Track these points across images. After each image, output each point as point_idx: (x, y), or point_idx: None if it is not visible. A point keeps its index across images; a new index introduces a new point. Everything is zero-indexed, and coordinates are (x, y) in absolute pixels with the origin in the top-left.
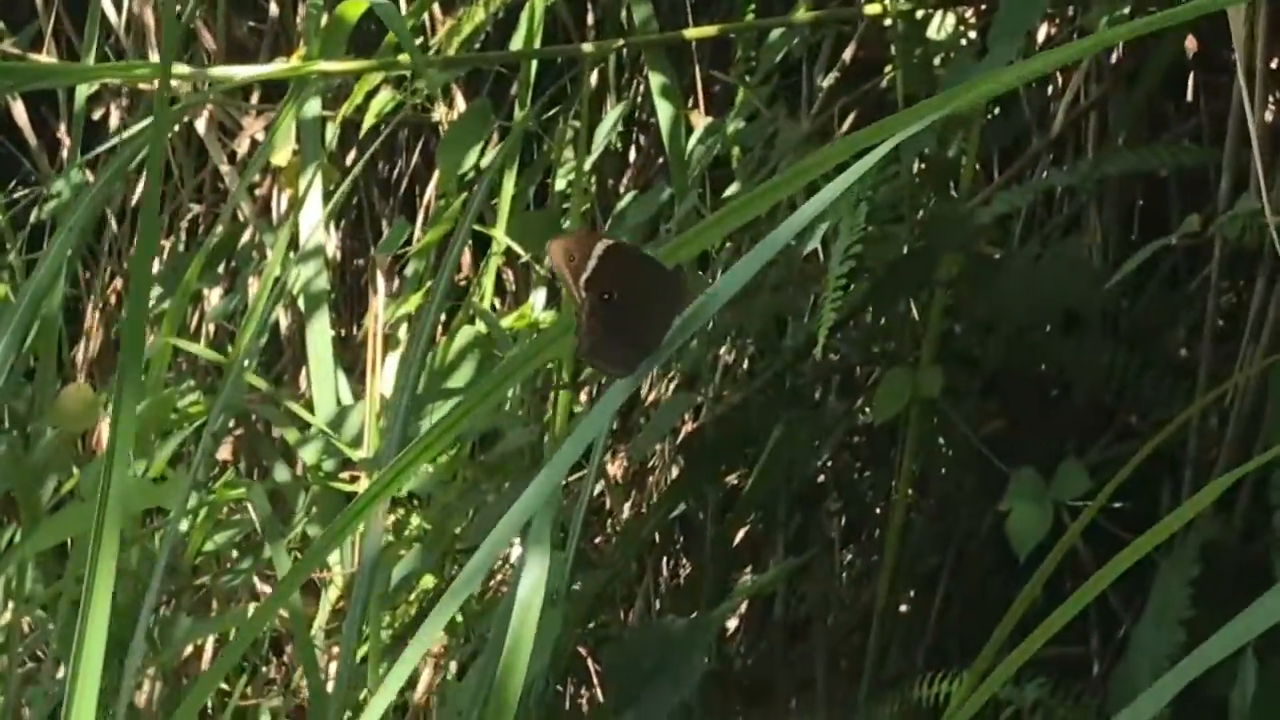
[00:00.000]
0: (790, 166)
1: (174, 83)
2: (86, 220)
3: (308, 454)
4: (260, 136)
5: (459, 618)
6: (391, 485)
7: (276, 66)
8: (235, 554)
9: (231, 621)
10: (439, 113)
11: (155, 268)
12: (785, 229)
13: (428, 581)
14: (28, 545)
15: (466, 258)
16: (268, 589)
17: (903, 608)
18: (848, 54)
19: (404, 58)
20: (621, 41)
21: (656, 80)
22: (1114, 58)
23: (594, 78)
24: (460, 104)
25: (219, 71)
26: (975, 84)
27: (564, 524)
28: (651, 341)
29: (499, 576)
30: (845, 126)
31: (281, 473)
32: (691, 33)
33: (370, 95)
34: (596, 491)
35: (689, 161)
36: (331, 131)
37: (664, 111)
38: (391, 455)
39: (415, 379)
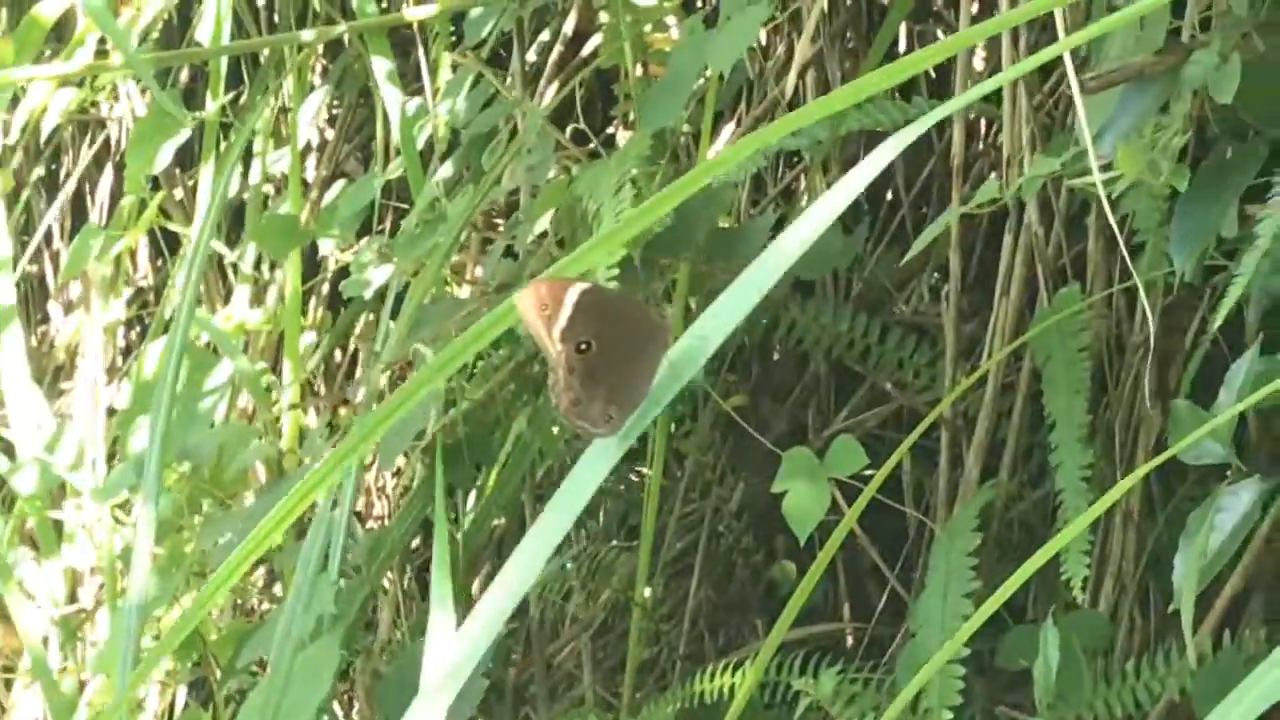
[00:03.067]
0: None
1: None
2: None
3: (23, 483)
4: None
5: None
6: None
7: None
8: None
9: None
10: (111, 109)
11: None
12: (771, 260)
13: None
14: None
15: (144, 259)
16: None
17: (648, 592)
18: (568, 26)
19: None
20: (344, 26)
21: (382, 66)
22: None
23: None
24: (137, 97)
25: None
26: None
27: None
28: (638, 395)
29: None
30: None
31: None
32: (414, 13)
33: None
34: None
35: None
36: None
37: (390, 97)
38: (151, 480)
39: (171, 395)
